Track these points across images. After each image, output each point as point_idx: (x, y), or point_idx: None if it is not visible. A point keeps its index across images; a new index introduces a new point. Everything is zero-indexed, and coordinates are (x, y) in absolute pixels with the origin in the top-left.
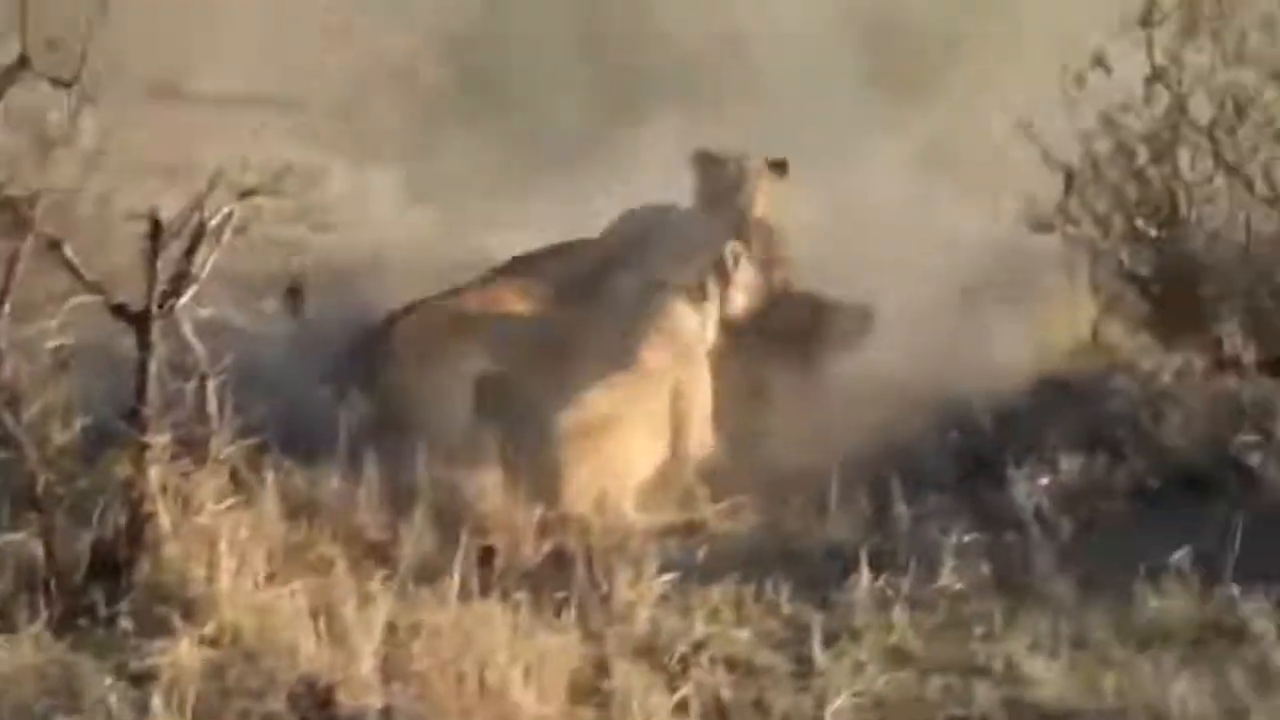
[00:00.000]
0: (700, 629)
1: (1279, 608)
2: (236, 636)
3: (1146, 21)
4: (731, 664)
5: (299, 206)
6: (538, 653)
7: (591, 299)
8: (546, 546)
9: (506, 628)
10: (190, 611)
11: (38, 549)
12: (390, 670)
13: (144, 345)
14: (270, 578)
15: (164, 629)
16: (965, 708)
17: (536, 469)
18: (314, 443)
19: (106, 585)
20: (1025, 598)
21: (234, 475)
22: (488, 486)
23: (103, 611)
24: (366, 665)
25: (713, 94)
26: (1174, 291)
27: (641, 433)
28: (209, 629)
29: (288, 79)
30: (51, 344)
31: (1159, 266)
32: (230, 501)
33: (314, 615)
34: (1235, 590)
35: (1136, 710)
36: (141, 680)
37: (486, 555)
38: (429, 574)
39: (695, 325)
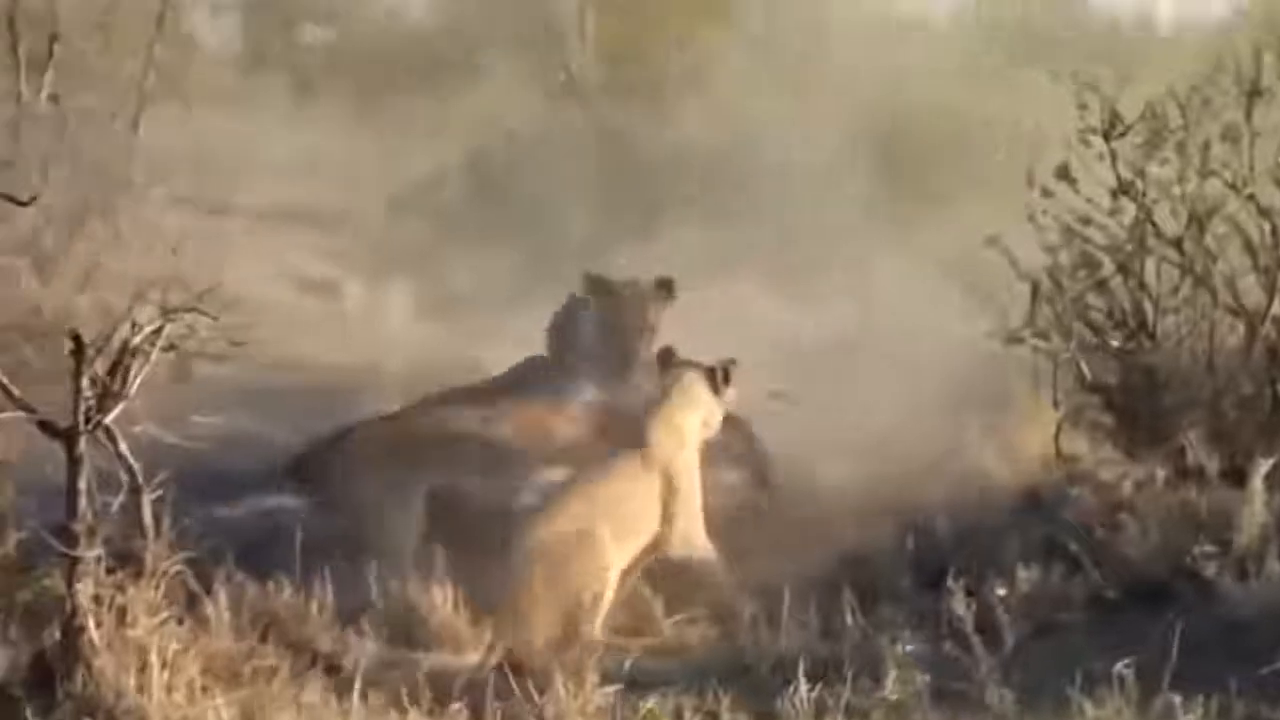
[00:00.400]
0: None
1: (1219, 716)
2: None
3: (1109, 134)
4: None
5: (219, 325)
6: None
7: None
8: (495, 658)
9: None
10: None
11: None
12: None
13: (72, 461)
14: (205, 690)
15: None
16: None
17: (499, 588)
18: (274, 554)
19: (43, 698)
20: (964, 707)
21: (178, 588)
22: (438, 600)
23: None
24: None
25: (725, 205)
26: (1138, 402)
27: (628, 528)
28: None
29: (320, 196)
30: None
31: (1123, 377)
32: (165, 614)
33: None
34: (1176, 699)
35: None
36: None
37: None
38: (377, 684)
39: (699, 418)
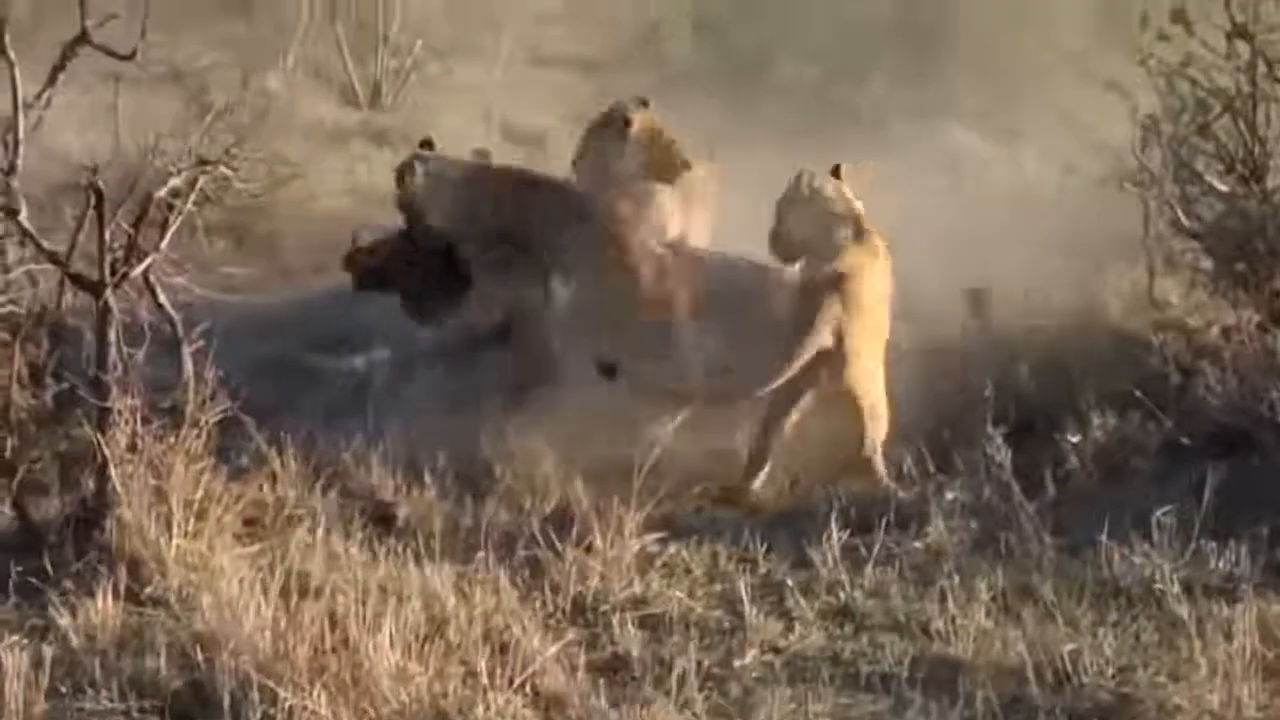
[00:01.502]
0: (642, 587)
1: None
2: (181, 596)
3: None
4: (658, 621)
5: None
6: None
7: None
8: (550, 505)
9: (450, 585)
10: (137, 573)
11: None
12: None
13: (101, 313)
14: (239, 537)
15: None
16: (873, 665)
17: None
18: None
19: (76, 545)
20: (1000, 556)
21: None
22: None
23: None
24: (250, 624)
25: (933, 52)
26: (1234, 246)
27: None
28: (151, 589)
29: (559, 47)
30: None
31: (1222, 221)
32: (201, 464)
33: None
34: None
35: (1043, 663)
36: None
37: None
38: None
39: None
